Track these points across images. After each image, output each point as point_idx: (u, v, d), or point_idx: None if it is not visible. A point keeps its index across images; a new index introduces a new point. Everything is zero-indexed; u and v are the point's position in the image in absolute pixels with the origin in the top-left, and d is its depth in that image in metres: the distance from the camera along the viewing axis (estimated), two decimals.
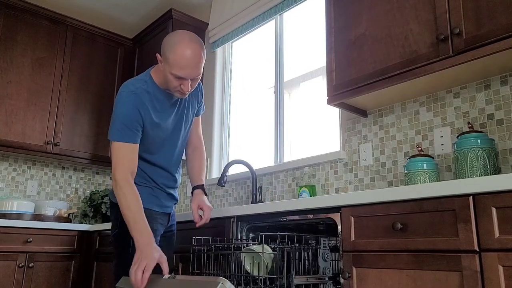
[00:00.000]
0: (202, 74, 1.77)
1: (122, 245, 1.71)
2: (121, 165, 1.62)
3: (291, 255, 1.68)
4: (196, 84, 1.70)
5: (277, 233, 1.70)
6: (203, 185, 1.89)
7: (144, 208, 1.66)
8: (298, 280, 1.62)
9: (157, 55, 1.67)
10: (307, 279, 1.65)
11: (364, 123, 2.28)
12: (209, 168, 3.27)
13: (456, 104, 1.92)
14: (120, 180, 1.60)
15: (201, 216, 1.81)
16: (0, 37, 3.25)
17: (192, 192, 1.89)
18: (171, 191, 1.90)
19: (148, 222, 1.65)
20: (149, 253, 1.48)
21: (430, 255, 1.24)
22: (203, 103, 1.98)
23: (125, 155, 1.63)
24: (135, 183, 1.68)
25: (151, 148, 1.76)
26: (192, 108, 1.89)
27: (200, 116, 1.99)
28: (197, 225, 1.79)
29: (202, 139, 2.01)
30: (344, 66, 2.00)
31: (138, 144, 1.67)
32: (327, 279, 1.66)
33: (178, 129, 1.83)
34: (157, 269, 1.62)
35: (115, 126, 1.64)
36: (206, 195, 1.87)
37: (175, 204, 1.95)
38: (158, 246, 1.77)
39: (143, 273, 1.45)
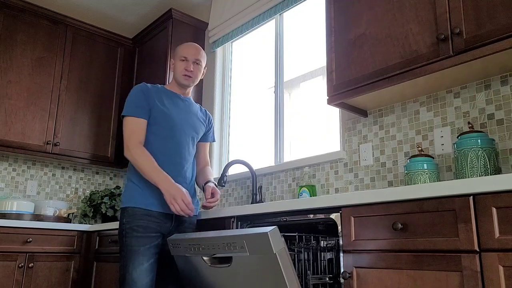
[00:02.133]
0: (202, 75, 2.01)
1: (120, 244, 1.85)
2: (131, 136, 1.89)
3: (302, 255, 1.69)
4: (199, 73, 2.07)
5: (295, 234, 1.69)
6: (213, 181, 2.13)
7: (134, 207, 1.84)
8: (314, 280, 1.62)
9: (170, 60, 2.13)
10: (319, 279, 1.65)
11: (364, 123, 2.28)
12: None
13: (456, 104, 1.92)
14: (132, 147, 1.87)
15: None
16: (0, 37, 3.25)
17: (203, 188, 2.12)
18: None
19: (138, 219, 1.82)
20: (174, 188, 1.78)
21: (430, 255, 1.24)
22: (212, 132, 2.24)
23: (133, 128, 1.90)
24: (133, 182, 1.91)
25: (162, 133, 1.94)
26: (200, 122, 2.11)
27: (208, 143, 2.25)
28: (206, 203, 2.00)
29: (209, 164, 2.27)
30: (344, 66, 2.00)
31: (145, 120, 1.93)
32: (327, 279, 1.66)
33: (185, 126, 2.01)
34: (172, 264, 1.86)
35: (126, 105, 1.94)
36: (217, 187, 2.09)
37: None
38: (161, 248, 1.91)
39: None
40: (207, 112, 2.23)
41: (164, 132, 1.96)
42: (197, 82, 2.11)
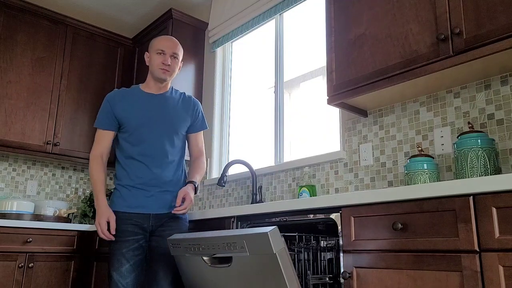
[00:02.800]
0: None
1: (109, 247, 1.94)
2: (94, 146, 2.02)
3: (302, 255, 1.69)
4: (176, 67, 2.04)
5: (295, 234, 1.69)
6: (195, 182, 2.04)
7: (114, 211, 1.94)
8: (314, 280, 1.62)
9: (145, 53, 2.07)
10: (319, 279, 1.65)
11: (364, 123, 2.28)
12: (209, 168, 3.27)
13: (456, 104, 1.92)
14: (92, 158, 2.01)
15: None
16: (0, 37, 3.25)
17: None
18: (155, 191, 1.97)
19: (117, 224, 1.91)
20: (99, 213, 1.89)
21: (430, 255, 1.24)
22: (201, 120, 2.15)
23: (98, 139, 2.02)
24: (115, 186, 2.02)
25: (133, 138, 1.98)
26: (182, 114, 2.06)
27: (201, 132, 2.17)
28: (174, 211, 1.89)
29: (204, 153, 2.19)
30: (344, 66, 2.00)
31: (110, 132, 2.01)
32: (327, 279, 1.66)
33: (157, 124, 1.99)
34: (171, 262, 1.90)
35: (97, 117, 2.05)
36: (195, 192, 2.01)
37: (167, 206, 1.99)
38: (147, 248, 1.98)
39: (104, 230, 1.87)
40: (193, 99, 2.13)
41: (135, 136, 1.98)
42: (174, 75, 2.07)
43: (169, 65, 1.99)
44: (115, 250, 1.89)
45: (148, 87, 2.06)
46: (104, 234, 1.86)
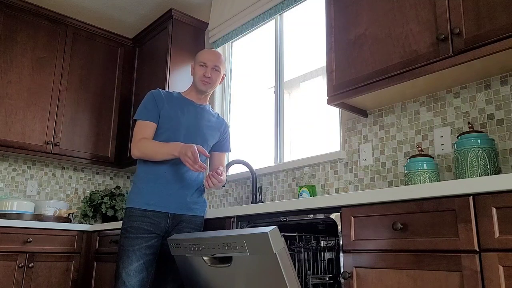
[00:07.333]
0: (221, 81, 2.14)
1: (118, 245, 1.91)
2: (135, 136, 1.99)
3: (302, 255, 1.69)
4: (217, 79, 2.10)
5: (295, 234, 1.69)
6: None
7: (131, 207, 1.92)
8: (314, 280, 1.62)
9: (191, 65, 2.15)
10: (319, 279, 1.65)
11: (364, 123, 2.28)
12: None
13: (456, 104, 1.92)
14: (138, 141, 1.96)
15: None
16: (0, 37, 3.25)
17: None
18: (175, 190, 1.97)
19: (133, 220, 1.89)
20: (181, 148, 1.84)
21: (430, 255, 1.24)
22: (228, 141, 2.24)
23: (140, 129, 2.00)
24: (135, 183, 1.98)
25: (166, 135, 1.99)
26: (212, 129, 2.13)
27: (224, 154, 2.25)
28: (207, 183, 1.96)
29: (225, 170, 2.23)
30: (344, 66, 2.00)
31: (152, 123, 2.01)
32: (327, 279, 1.66)
33: (191, 131, 2.04)
34: (175, 269, 1.91)
35: (138, 109, 2.05)
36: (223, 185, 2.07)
37: (186, 207, 2.00)
38: (160, 248, 1.95)
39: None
40: (225, 121, 2.23)
41: (168, 135, 2.00)
42: (215, 87, 2.14)
43: (209, 77, 2.05)
44: (127, 246, 1.85)
45: (190, 95, 2.12)
46: (195, 162, 1.78)
